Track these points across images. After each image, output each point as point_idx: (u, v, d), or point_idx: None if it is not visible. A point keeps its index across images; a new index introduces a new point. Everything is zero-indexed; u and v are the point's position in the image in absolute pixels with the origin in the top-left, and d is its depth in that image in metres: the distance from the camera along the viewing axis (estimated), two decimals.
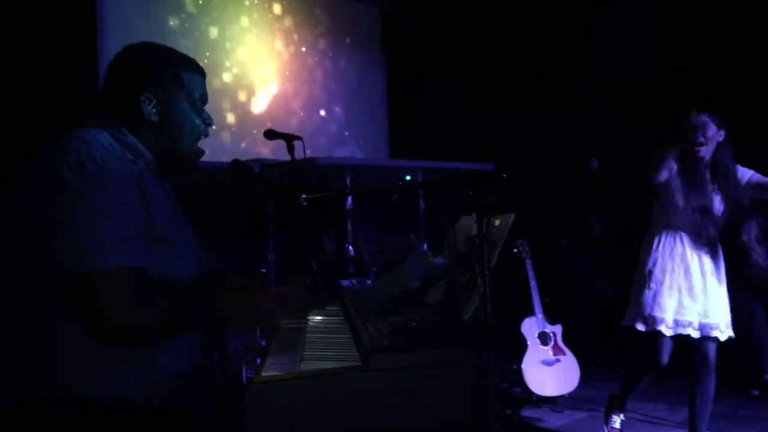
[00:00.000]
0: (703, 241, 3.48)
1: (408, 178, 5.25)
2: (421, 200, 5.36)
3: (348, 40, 7.24)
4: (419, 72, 6.97)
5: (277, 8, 6.70)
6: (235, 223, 5.02)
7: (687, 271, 3.48)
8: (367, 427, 1.56)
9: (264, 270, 4.80)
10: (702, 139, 3.44)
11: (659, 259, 3.52)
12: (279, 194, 3.39)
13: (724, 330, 3.49)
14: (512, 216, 2.13)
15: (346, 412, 1.55)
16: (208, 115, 1.88)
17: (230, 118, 6.18)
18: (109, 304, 1.50)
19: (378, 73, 7.47)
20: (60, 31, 4.77)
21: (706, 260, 3.50)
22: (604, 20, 6.62)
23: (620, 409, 3.89)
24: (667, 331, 3.46)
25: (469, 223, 2.29)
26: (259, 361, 1.84)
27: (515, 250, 5.01)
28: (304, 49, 6.87)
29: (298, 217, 2.65)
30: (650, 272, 3.52)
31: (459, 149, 5.94)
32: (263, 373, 1.64)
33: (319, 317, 2.38)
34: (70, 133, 1.64)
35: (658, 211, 3.59)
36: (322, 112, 6.96)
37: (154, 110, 1.76)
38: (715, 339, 3.49)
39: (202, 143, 1.90)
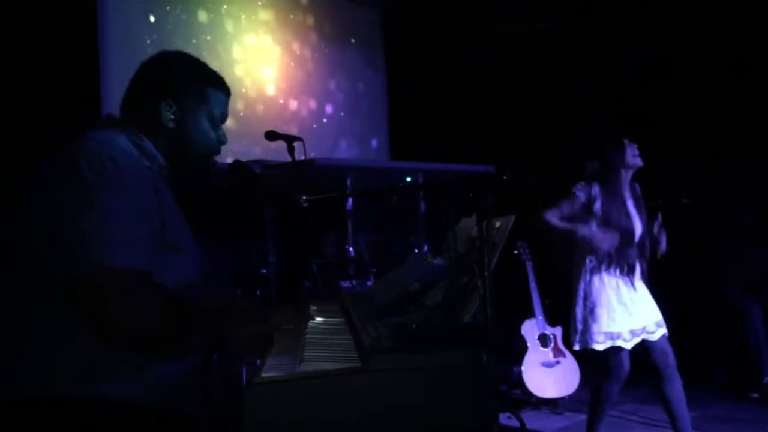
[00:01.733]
0: (629, 264, 3.62)
1: (409, 179, 5.25)
2: (422, 202, 5.36)
3: (349, 42, 7.25)
4: (420, 74, 6.97)
5: (277, 9, 6.70)
6: (236, 224, 5.02)
7: (624, 287, 3.62)
8: (366, 428, 1.56)
9: (264, 271, 4.80)
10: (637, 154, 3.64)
11: (597, 284, 3.63)
12: (279, 195, 3.39)
13: (663, 325, 3.62)
14: (512, 218, 2.13)
15: (345, 413, 1.56)
16: (224, 133, 1.91)
17: (230, 119, 6.18)
18: (113, 304, 1.50)
19: (379, 75, 7.47)
20: (60, 28, 4.77)
21: (635, 274, 3.65)
22: (604, 24, 6.63)
23: None
24: (626, 344, 3.58)
25: (469, 225, 2.29)
26: (259, 362, 1.84)
27: (515, 252, 5.02)
28: (304, 50, 6.87)
29: (298, 218, 2.66)
30: (590, 298, 3.63)
31: (460, 151, 5.94)
32: (263, 374, 1.65)
33: (319, 318, 2.39)
34: (89, 132, 1.66)
35: (566, 210, 3.70)
36: (323, 114, 6.96)
37: (172, 117, 1.78)
38: (666, 337, 3.61)
39: None
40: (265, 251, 4.78)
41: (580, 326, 3.66)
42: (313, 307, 2.60)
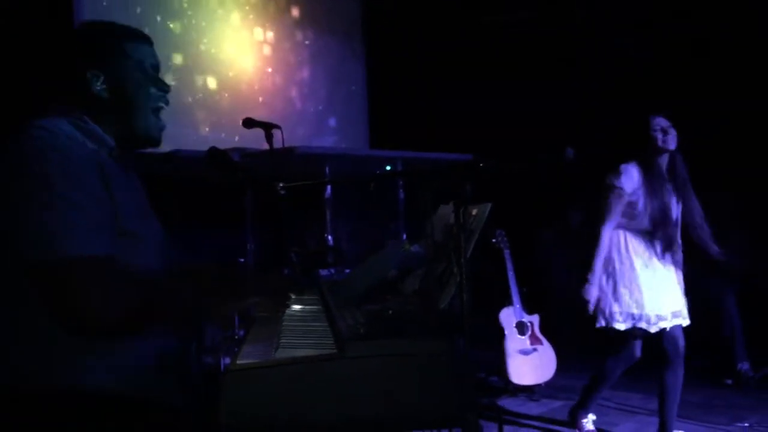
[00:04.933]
0: (666, 242, 3.56)
1: (388, 168, 5.25)
2: (400, 190, 5.37)
3: (328, 30, 7.21)
4: (399, 62, 6.96)
5: None
6: (213, 212, 5.00)
7: (653, 268, 3.58)
8: (342, 415, 1.56)
9: (242, 260, 4.78)
10: (672, 142, 3.52)
11: (627, 259, 3.59)
12: (257, 183, 3.38)
13: (686, 317, 3.61)
14: (489, 206, 2.13)
15: (321, 399, 1.56)
16: (164, 82, 1.81)
17: (208, 107, 6.14)
18: (79, 293, 1.48)
19: (358, 63, 7.45)
20: (35, 19, 4.71)
21: (668, 257, 3.59)
22: (584, 15, 6.65)
23: (587, 411, 3.97)
24: (652, 328, 3.55)
25: (447, 212, 2.29)
26: (237, 350, 1.84)
27: (494, 241, 5.04)
28: (283, 38, 6.83)
29: (276, 206, 2.65)
30: (621, 271, 3.58)
31: (439, 140, 5.95)
32: (239, 361, 1.64)
33: (296, 306, 2.38)
34: (31, 123, 1.61)
35: (618, 211, 3.59)
36: (302, 102, 6.93)
37: (103, 86, 1.70)
38: (681, 327, 3.60)
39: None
40: (243, 239, 4.77)
41: (604, 304, 3.61)
42: (291, 295, 2.59)
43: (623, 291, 3.56)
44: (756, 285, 5.32)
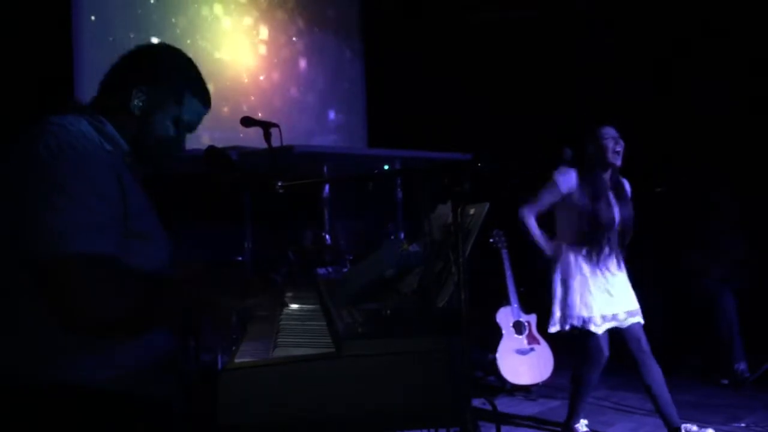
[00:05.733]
0: (602, 246, 3.69)
1: (386, 167, 5.25)
2: (398, 189, 5.37)
3: (327, 28, 7.20)
4: (398, 61, 6.95)
5: None
6: (211, 211, 4.99)
7: (600, 273, 3.71)
8: (339, 414, 1.56)
9: (240, 258, 4.78)
10: (620, 150, 3.67)
11: (577, 270, 3.72)
12: (255, 182, 3.38)
13: (635, 315, 3.73)
14: (486, 205, 2.13)
15: (318, 398, 1.55)
16: (184, 142, 1.84)
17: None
18: (79, 293, 1.48)
19: (356, 62, 7.45)
20: (33, 15, 4.70)
21: (612, 262, 3.73)
22: (583, 15, 6.65)
23: (578, 417, 3.98)
24: (597, 329, 3.66)
25: (444, 211, 2.29)
26: (234, 348, 1.84)
27: (491, 240, 5.04)
28: (282, 36, 6.82)
29: (274, 205, 2.65)
30: (567, 280, 3.73)
31: (438, 139, 5.94)
32: (236, 360, 1.64)
33: (294, 305, 2.38)
34: (48, 118, 1.62)
35: (562, 221, 3.81)
36: (300, 101, 6.92)
37: (140, 105, 1.73)
38: (640, 324, 3.71)
39: None
40: (241, 238, 4.76)
41: (555, 309, 3.75)
42: (289, 294, 2.60)
43: (575, 296, 3.68)
44: (753, 285, 5.33)
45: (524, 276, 5.15)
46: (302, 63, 6.99)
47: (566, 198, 3.72)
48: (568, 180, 3.69)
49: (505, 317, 4.92)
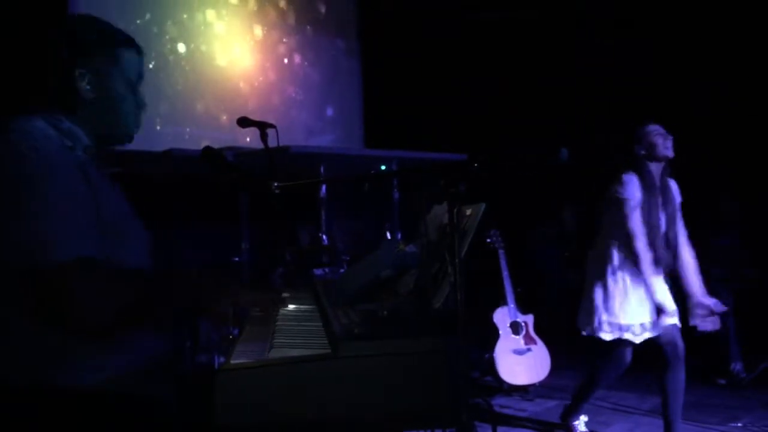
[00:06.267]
0: (655, 256, 3.51)
1: (383, 168, 5.24)
2: (395, 190, 5.36)
3: (323, 28, 7.20)
4: (395, 61, 6.95)
5: None
6: (208, 211, 4.99)
7: (642, 279, 3.51)
8: (335, 414, 1.56)
9: (237, 258, 4.78)
10: (671, 149, 3.51)
11: (620, 272, 3.57)
12: (251, 182, 3.37)
13: (675, 316, 3.56)
14: (483, 206, 2.13)
15: (314, 399, 1.55)
16: (142, 98, 1.80)
17: (201, 106, 6.12)
18: (74, 298, 1.48)
19: (353, 62, 7.44)
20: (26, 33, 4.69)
21: (658, 270, 3.54)
22: (583, 14, 6.65)
23: (578, 414, 3.97)
24: (635, 338, 3.55)
25: (441, 212, 2.29)
26: (231, 349, 1.83)
27: (488, 240, 5.04)
28: (278, 36, 6.81)
29: (271, 205, 2.64)
30: (611, 282, 3.58)
31: (434, 139, 5.94)
32: (232, 361, 1.64)
33: (291, 305, 2.38)
34: (5, 124, 1.59)
35: (613, 222, 3.58)
36: (297, 101, 6.91)
37: (88, 86, 1.69)
38: (678, 328, 3.56)
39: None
40: (237, 238, 4.76)
41: (593, 314, 3.61)
42: (285, 294, 2.60)
43: (614, 302, 3.56)
44: (751, 285, 5.33)
45: (521, 276, 5.15)
46: (299, 64, 6.97)
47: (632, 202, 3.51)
48: (634, 188, 3.49)
49: (502, 317, 4.92)
